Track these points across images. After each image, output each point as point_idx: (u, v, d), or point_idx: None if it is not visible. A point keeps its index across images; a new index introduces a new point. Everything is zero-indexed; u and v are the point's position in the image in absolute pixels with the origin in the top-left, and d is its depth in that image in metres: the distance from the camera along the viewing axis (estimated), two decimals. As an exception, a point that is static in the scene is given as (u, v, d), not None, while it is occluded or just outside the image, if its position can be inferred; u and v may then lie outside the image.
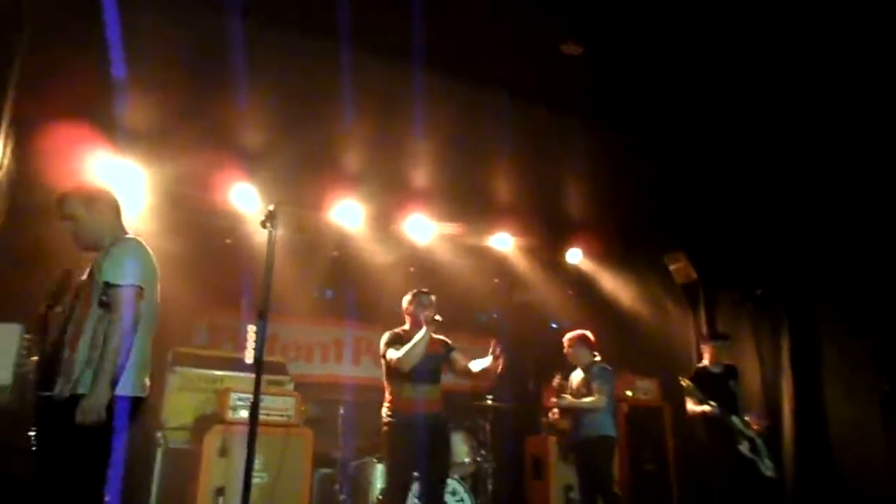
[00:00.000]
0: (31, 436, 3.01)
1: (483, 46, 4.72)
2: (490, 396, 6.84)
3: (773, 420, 6.34)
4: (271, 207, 3.67)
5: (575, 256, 7.86)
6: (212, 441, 5.15)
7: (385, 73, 4.88)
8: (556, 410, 6.02)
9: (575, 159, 6.11)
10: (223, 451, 5.15)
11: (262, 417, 5.17)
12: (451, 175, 6.33)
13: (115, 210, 3.46)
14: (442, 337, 5.06)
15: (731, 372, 5.97)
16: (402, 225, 6.94)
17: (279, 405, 5.57)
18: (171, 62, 4.62)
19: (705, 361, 6.03)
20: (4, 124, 4.52)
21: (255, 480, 4.82)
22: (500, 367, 4.83)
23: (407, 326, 4.96)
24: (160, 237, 5.28)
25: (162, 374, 5.69)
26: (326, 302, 7.86)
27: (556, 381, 5.81)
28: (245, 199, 6.18)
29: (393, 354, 4.67)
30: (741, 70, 4.93)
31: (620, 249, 7.67)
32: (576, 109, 5.45)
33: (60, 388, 3.03)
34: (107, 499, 3.01)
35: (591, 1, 4.31)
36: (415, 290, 4.99)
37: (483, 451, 6.60)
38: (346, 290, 7.72)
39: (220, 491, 5.07)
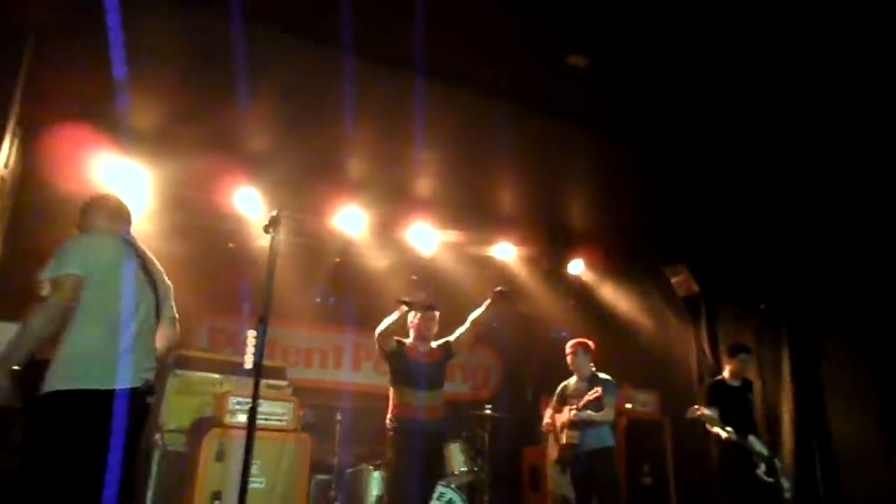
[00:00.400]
0: None
1: (487, 56, 4.73)
2: (488, 406, 6.84)
3: (774, 435, 6.32)
4: (274, 212, 3.67)
5: (576, 267, 7.85)
6: (209, 445, 5.14)
7: (389, 81, 4.90)
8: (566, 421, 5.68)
9: (578, 170, 6.13)
10: (220, 456, 5.13)
11: (260, 422, 5.16)
12: (453, 184, 6.34)
13: (109, 214, 3.35)
14: (442, 341, 5.22)
15: (747, 386, 5.87)
16: (404, 233, 6.94)
17: (277, 410, 5.55)
18: (176, 65, 4.65)
19: (725, 374, 5.91)
20: (11, 125, 4.55)
21: (251, 485, 4.80)
22: (498, 306, 5.08)
23: (411, 339, 5.16)
24: (163, 239, 5.30)
25: (161, 377, 5.69)
26: (327, 308, 7.87)
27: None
28: (248, 204, 6.20)
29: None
30: (746, 83, 4.93)
31: (622, 261, 7.67)
32: (580, 120, 5.45)
33: None
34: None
35: (596, 13, 4.32)
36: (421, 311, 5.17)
37: (480, 461, 6.58)
38: (348, 296, 7.73)
39: (216, 495, 5.05)
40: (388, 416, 5.04)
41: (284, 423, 5.54)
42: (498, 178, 6.24)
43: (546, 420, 5.89)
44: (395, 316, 4.90)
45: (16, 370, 2.88)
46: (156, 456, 5.48)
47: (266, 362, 5.90)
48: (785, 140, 5.58)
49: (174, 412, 5.75)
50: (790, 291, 6.72)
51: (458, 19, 4.34)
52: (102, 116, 5.01)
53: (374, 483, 6.14)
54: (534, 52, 4.71)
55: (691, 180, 6.31)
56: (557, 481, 6.95)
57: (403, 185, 6.42)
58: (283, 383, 6.11)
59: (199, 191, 6.01)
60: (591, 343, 5.89)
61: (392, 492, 5.02)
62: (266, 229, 3.69)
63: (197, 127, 5.29)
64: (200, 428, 5.44)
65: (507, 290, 5.11)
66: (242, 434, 3.34)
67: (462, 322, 5.27)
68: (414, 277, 7.44)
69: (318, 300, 7.87)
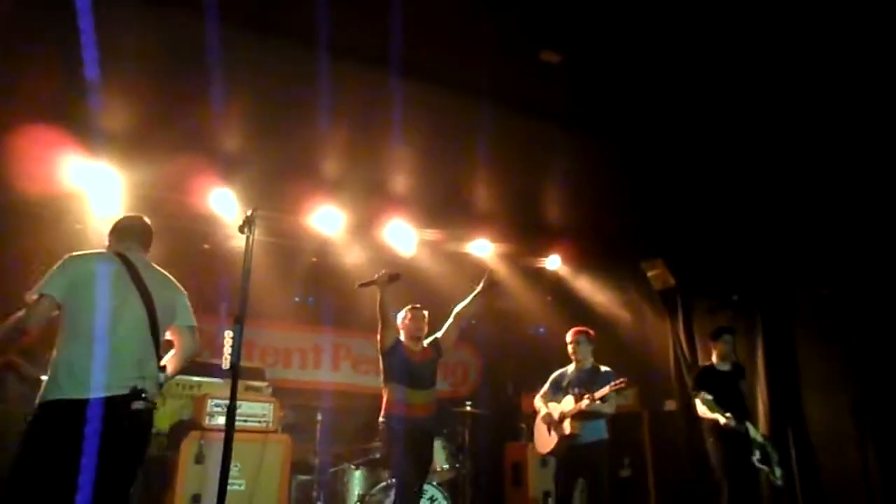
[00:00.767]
0: None
1: (461, 53, 4.72)
2: (468, 403, 6.85)
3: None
4: (249, 212, 3.66)
5: (554, 263, 7.89)
6: (189, 448, 5.11)
7: (364, 79, 4.88)
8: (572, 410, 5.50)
9: (554, 166, 6.14)
10: (200, 458, 5.11)
11: (239, 424, 5.14)
12: (430, 181, 6.33)
13: (116, 234, 3.59)
14: (431, 339, 5.28)
15: (739, 371, 5.91)
16: (381, 231, 6.93)
17: (257, 411, 5.54)
18: (148, 65, 4.59)
19: (713, 359, 5.94)
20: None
21: (231, 488, 4.78)
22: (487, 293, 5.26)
23: (403, 338, 5.20)
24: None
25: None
26: (305, 308, 7.84)
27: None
28: (223, 204, 6.15)
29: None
30: (716, 78, 4.98)
31: (599, 256, 7.72)
32: (555, 117, 5.47)
33: None
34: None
35: (569, 9, 4.34)
36: (409, 306, 5.29)
37: (461, 458, 6.60)
38: (326, 296, 7.71)
39: (196, 498, 5.02)
40: (381, 413, 5.08)
41: (264, 425, 5.52)
42: (474, 175, 6.23)
43: (543, 409, 5.70)
44: (383, 304, 5.02)
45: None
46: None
47: (244, 363, 5.89)
48: (757, 134, 5.64)
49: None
50: (764, 282, 6.80)
51: (432, 17, 4.33)
52: (72, 118, 4.94)
53: (356, 482, 6.13)
54: (507, 49, 4.72)
55: (666, 175, 6.36)
56: (539, 476, 7.01)
57: (380, 183, 6.40)
58: (263, 384, 6.09)
59: (173, 192, 5.94)
60: (591, 332, 5.82)
61: (396, 482, 5.11)
62: (241, 229, 3.67)
63: (170, 128, 5.23)
64: (179, 431, 5.40)
65: (495, 275, 5.22)
66: (222, 436, 3.32)
67: (444, 317, 5.29)
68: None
69: (296, 300, 7.83)
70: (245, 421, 5.37)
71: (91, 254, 3.42)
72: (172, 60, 4.55)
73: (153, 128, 5.25)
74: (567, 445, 5.41)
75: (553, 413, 5.59)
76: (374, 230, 6.89)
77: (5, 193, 5.25)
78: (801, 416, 6.28)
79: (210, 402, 5.34)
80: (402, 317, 5.25)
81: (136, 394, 3.18)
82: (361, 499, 6.00)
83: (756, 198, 6.40)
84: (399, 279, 5.11)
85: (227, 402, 3.40)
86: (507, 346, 8.82)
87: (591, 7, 4.37)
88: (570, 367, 5.74)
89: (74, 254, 3.36)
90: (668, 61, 4.84)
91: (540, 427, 5.78)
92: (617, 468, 7.21)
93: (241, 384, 5.26)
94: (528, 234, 7.37)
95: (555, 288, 8.08)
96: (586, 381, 5.49)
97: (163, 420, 5.69)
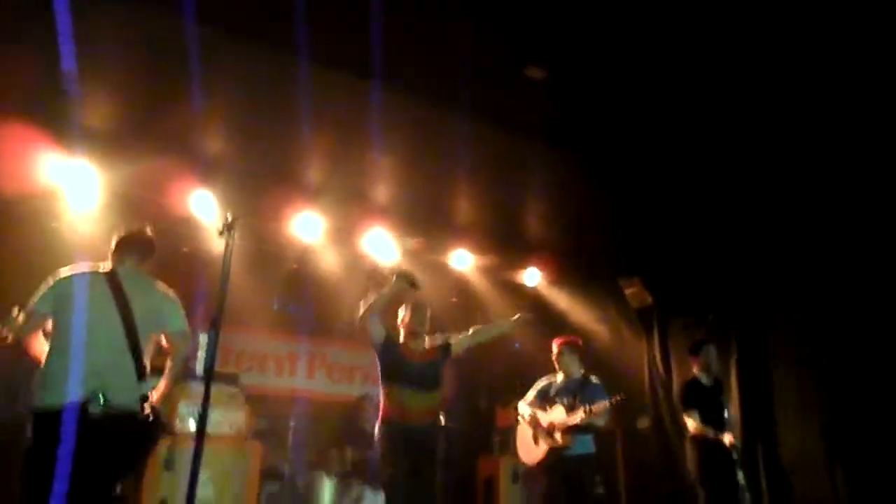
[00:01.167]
0: None
1: (444, 66, 4.74)
2: (442, 415, 6.83)
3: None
4: (229, 217, 3.64)
5: (532, 277, 7.91)
6: (158, 452, 5.04)
7: (346, 88, 4.87)
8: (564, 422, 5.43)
9: (534, 181, 6.17)
10: (169, 464, 5.04)
11: (210, 430, 5.12)
12: (411, 191, 6.34)
13: (115, 250, 3.79)
14: (441, 341, 4.96)
15: (719, 387, 5.80)
16: (361, 239, 6.92)
17: (229, 418, 5.49)
18: (128, 62, 4.53)
19: (695, 372, 5.78)
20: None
21: (200, 494, 4.73)
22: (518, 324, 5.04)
23: (402, 337, 4.90)
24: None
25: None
26: (283, 314, 7.78)
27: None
28: (203, 208, 6.10)
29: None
30: (700, 97, 5.04)
31: (577, 272, 7.75)
32: (536, 132, 5.50)
33: None
34: None
35: (553, 25, 4.37)
36: (411, 301, 4.93)
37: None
38: (304, 303, 7.67)
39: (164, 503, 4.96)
40: (378, 420, 4.65)
41: (235, 432, 5.47)
42: (455, 187, 6.24)
43: (526, 416, 5.61)
44: (382, 293, 4.57)
45: None
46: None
47: (218, 369, 5.85)
48: (736, 155, 5.71)
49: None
50: (739, 303, 6.86)
51: (413, 29, 4.34)
52: (50, 114, 4.88)
53: (327, 491, 6.09)
54: (489, 63, 4.74)
55: (646, 194, 6.41)
56: (511, 491, 6.98)
57: (361, 191, 6.40)
58: (236, 390, 6.02)
59: (152, 193, 5.87)
60: (578, 341, 5.79)
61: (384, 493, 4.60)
62: (220, 233, 3.66)
63: (151, 128, 5.20)
64: (148, 435, 5.33)
65: (528, 318, 5.09)
66: (192, 442, 3.28)
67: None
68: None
69: (274, 307, 7.77)
70: (217, 427, 5.31)
71: (75, 271, 3.57)
72: (154, 60, 4.50)
73: (134, 127, 5.22)
74: (558, 457, 5.32)
75: (542, 421, 5.49)
76: (354, 238, 6.87)
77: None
78: (773, 438, 6.33)
79: (181, 407, 5.28)
80: (402, 313, 4.91)
81: (95, 398, 3.28)
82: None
83: (734, 219, 6.47)
84: (416, 290, 4.70)
85: (199, 406, 3.37)
86: (482, 359, 8.79)
87: (574, 24, 4.41)
88: (558, 377, 5.68)
89: (62, 270, 3.56)
90: (650, 81, 4.89)
91: (524, 435, 5.66)
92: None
93: (213, 389, 5.27)
94: (508, 248, 7.39)
95: (532, 302, 8.09)
96: (575, 392, 5.43)
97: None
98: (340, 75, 4.69)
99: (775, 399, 6.43)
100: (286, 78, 4.64)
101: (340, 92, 4.88)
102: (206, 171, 5.82)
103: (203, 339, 4.57)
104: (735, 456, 5.37)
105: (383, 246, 6.91)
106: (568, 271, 7.76)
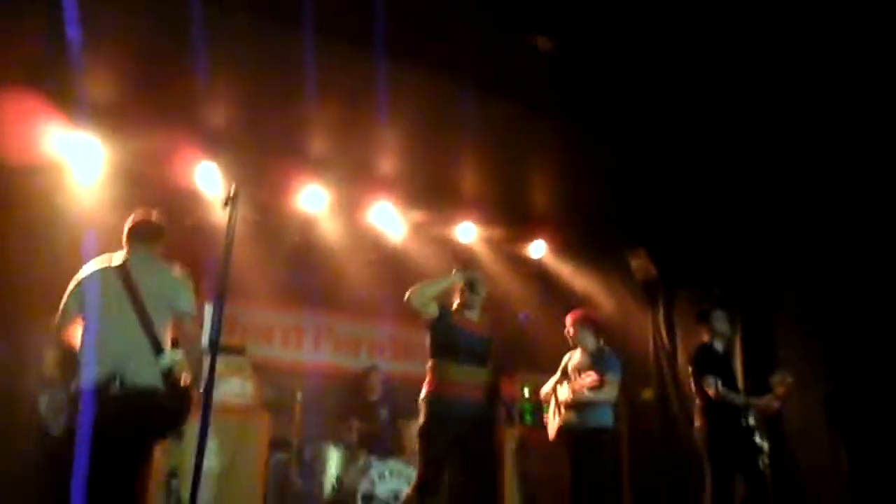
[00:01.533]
0: None
1: (450, 36, 4.70)
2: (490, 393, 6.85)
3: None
4: (232, 188, 3.63)
5: (538, 250, 7.89)
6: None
7: (351, 60, 4.83)
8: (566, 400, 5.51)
9: (541, 154, 6.14)
10: (178, 434, 5.09)
11: (218, 401, 5.16)
12: (416, 164, 6.31)
13: (126, 238, 3.99)
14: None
15: (730, 354, 5.70)
16: (367, 212, 6.91)
17: (236, 388, 5.54)
18: (134, 33, 4.51)
19: (705, 339, 5.60)
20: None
21: (208, 465, 4.80)
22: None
23: (455, 308, 4.69)
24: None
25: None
26: (289, 286, 7.79)
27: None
28: (208, 180, 6.09)
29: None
30: (706, 70, 4.99)
31: (583, 244, 7.73)
32: (543, 104, 5.46)
33: None
34: None
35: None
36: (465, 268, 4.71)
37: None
38: (310, 276, 7.68)
39: (173, 474, 5.03)
40: (424, 392, 4.42)
41: (243, 402, 5.52)
42: (461, 159, 6.22)
43: (546, 390, 5.74)
44: (442, 282, 4.48)
45: None
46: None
47: (226, 340, 5.89)
48: (745, 130, 5.67)
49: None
50: (745, 277, 6.85)
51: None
52: (53, 86, 4.85)
53: (334, 462, 6.17)
54: (496, 34, 4.70)
55: (653, 167, 6.38)
56: (515, 460, 7.04)
57: (366, 164, 6.36)
58: (243, 360, 6.06)
59: (156, 165, 5.86)
60: (592, 314, 5.82)
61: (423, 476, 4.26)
62: (224, 205, 3.66)
63: (155, 100, 5.16)
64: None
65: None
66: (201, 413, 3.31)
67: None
68: (374, 257, 7.41)
69: (280, 279, 7.78)
70: (224, 398, 5.36)
71: (91, 268, 3.83)
72: (158, 32, 4.48)
73: (138, 99, 5.17)
74: (568, 431, 5.39)
75: (559, 396, 5.56)
76: (359, 211, 6.86)
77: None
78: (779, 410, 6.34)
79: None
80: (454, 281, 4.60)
81: (113, 379, 3.52)
82: (339, 479, 6.03)
83: (741, 192, 6.44)
84: (473, 292, 4.60)
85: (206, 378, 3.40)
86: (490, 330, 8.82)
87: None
88: (576, 353, 5.71)
89: (84, 267, 3.85)
90: (657, 52, 4.84)
91: (550, 409, 5.76)
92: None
93: (221, 360, 5.30)
94: (514, 220, 7.35)
95: (538, 274, 8.09)
96: (587, 366, 5.47)
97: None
98: (345, 47, 4.65)
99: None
100: (290, 50, 4.60)
101: (345, 64, 4.84)
102: (211, 143, 5.80)
103: (207, 310, 4.58)
104: (753, 423, 5.23)
105: (388, 219, 6.91)
106: (573, 243, 7.73)
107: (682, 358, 7.31)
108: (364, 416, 6.78)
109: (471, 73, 5.01)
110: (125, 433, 3.54)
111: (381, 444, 6.60)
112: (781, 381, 5.19)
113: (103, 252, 3.99)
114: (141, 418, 3.62)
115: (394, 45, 4.56)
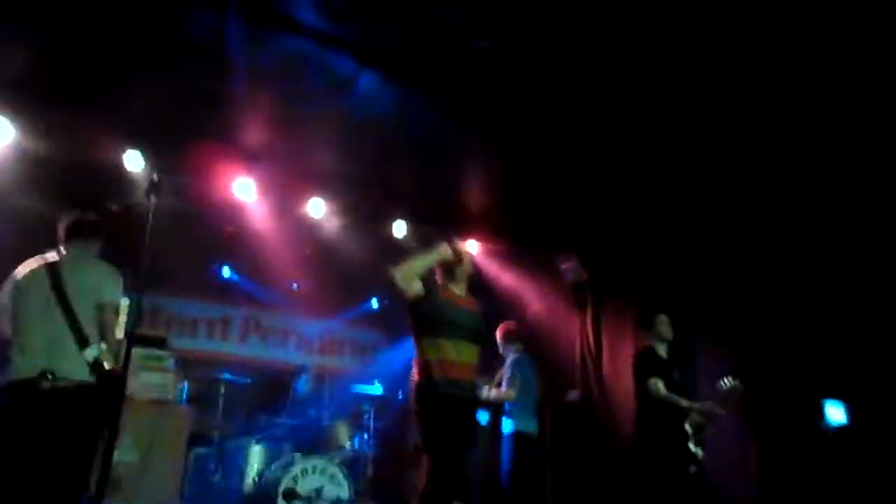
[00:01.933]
0: None
1: (386, 32, 4.68)
2: (375, 381, 6.89)
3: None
4: (155, 177, 3.58)
5: (471, 250, 7.93)
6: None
7: (284, 51, 4.77)
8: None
9: (474, 156, 6.21)
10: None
11: (137, 393, 5.05)
12: (349, 160, 6.29)
13: (60, 237, 4.01)
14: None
15: (673, 361, 5.59)
16: (300, 205, 6.84)
17: (156, 381, 5.39)
18: (43, 13, 4.34)
19: (648, 343, 5.57)
20: None
21: (123, 458, 4.67)
22: None
23: (440, 281, 4.16)
24: (36, 200, 5.02)
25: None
26: (217, 278, 7.67)
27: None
28: (136, 166, 5.94)
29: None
30: (634, 79, 5.08)
31: (514, 246, 7.82)
32: (476, 107, 5.49)
33: None
34: None
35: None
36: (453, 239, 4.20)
37: (365, 437, 6.64)
38: (238, 266, 7.58)
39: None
40: (418, 381, 3.88)
41: (162, 395, 5.38)
42: (394, 158, 6.21)
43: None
44: (431, 256, 3.99)
45: None
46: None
47: (147, 331, 5.76)
48: (672, 137, 5.79)
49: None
50: (669, 285, 7.02)
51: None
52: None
53: (256, 456, 6.09)
54: (433, 33, 4.69)
55: (585, 172, 6.47)
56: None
57: (298, 156, 6.31)
58: (164, 353, 5.91)
59: (77, 148, 5.67)
60: (512, 327, 6.15)
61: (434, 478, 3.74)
62: (147, 194, 3.61)
63: (79, 80, 4.99)
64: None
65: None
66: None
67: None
68: (307, 251, 7.36)
69: (208, 269, 7.64)
70: (143, 390, 5.23)
71: (25, 267, 3.90)
72: (75, 11, 4.32)
73: (59, 78, 4.99)
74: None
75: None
76: (291, 202, 6.80)
77: None
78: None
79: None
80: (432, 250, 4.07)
81: (42, 375, 3.54)
82: (260, 474, 5.96)
83: (666, 198, 6.58)
84: (457, 265, 4.10)
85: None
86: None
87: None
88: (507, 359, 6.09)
89: (22, 264, 3.91)
90: (588, 59, 4.90)
91: None
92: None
93: (140, 353, 5.18)
94: (446, 221, 7.38)
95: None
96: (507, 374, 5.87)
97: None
98: (277, 37, 4.58)
99: (698, 382, 6.62)
100: (220, 36, 4.50)
101: (277, 54, 4.77)
102: (138, 129, 5.66)
103: (124, 303, 4.46)
104: (691, 430, 5.27)
105: (322, 214, 6.87)
106: (506, 246, 7.82)
107: (607, 362, 7.47)
108: (290, 411, 6.71)
109: (406, 71, 5.00)
110: (54, 428, 3.54)
111: (307, 439, 6.54)
112: (732, 388, 5.20)
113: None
114: (71, 413, 3.61)
115: (330, 44, 4.53)
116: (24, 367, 3.61)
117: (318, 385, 7.22)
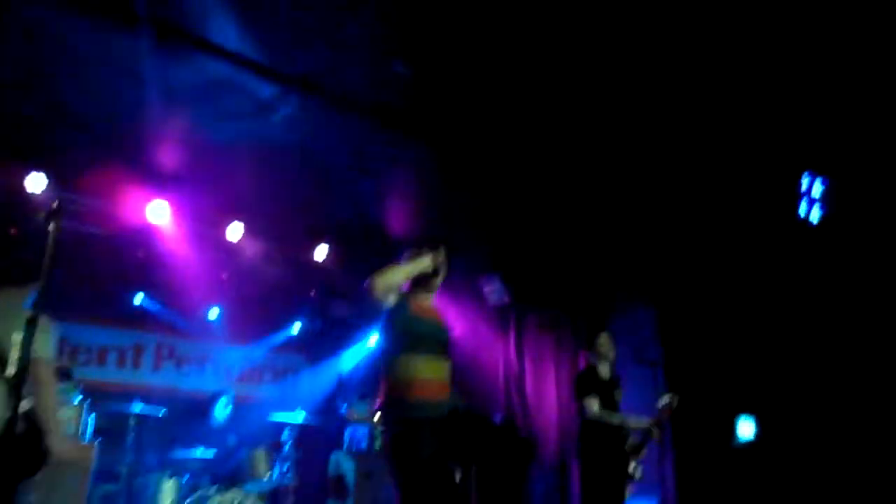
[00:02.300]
0: None
1: (306, 50, 4.62)
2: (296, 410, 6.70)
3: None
4: (55, 202, 3.38)
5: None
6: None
7: (196, 70, 4.65)
8: None
9: (395, 177, 6.18)
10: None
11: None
12: (270, 183, 6.17)
13: None
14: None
15: (616, 381, 5.53)
16: (216, 230, 6.65)
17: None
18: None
19: (591, 362, 5.50)
20: None
21: (21, 501, 4.36)
22: None
23: (409, 290, 3.77)
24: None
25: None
26: (128, 304, 7.35)
27: None
28: (39, 189, 5.65)
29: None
30: (554, 100, 5.16)
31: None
32: (398, 126, 5.48)
33: None
34: None
35: (418, 23, 4.36)
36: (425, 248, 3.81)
37: (286, 467, 6.44)
38: (151, 292, 7.29)
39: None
40: (388, 405, 3.49)
41: (64, 432, 5.08)
42: (313, 181, 6.13)
43: None
44: (415, 266, 3.62)
45: None
46: None
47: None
48: (589, 161, 5.92)
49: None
50: (585, 303, 7.15)
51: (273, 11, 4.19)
52: None
53: (168, 492, 5.81)
54: (355, 52, 4.66)
55: (508, 194, 6.53)
56: (363, 488, 6.95)
57: (218, 180, 6.15)
58: (68, 385, 5.59)
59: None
60: None
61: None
62: (47, 220, 3.40)
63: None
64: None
65: None
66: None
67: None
68: (224, 276, 7.15)
69: (118, 296, 7.31)
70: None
71: None
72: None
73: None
74: None
75: None
76: (207, 227, 6.59)
77: None
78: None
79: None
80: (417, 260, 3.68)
81: None
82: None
83: (588, 220, 6.70)
84: (434, 276, 3.74)
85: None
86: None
87: (439, 21, 4.41)
88: None
89: None
90: (510, 80, 4.96)
91: None
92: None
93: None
94: (372, 244, 7.31)
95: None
96: None
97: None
98: (190, 54, 4.46)
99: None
100: (131, 54, 4.34)
101: (190, 73, 4.64)
102: (45, 152, 5.40)
103: (16, 337, 4.21)
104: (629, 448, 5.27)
105: (235, 234, 6.71)
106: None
107: (530, 383, 7.53)
108: (208, 442, 6.45)
109: (327, 90, 4.94)
110: None
111: (225, 471, 6.30)
112: (670, 404, 5.23)
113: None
114: None
115: (249, 67, 4.43)
116: None
117: (236, 413, 6.99)
